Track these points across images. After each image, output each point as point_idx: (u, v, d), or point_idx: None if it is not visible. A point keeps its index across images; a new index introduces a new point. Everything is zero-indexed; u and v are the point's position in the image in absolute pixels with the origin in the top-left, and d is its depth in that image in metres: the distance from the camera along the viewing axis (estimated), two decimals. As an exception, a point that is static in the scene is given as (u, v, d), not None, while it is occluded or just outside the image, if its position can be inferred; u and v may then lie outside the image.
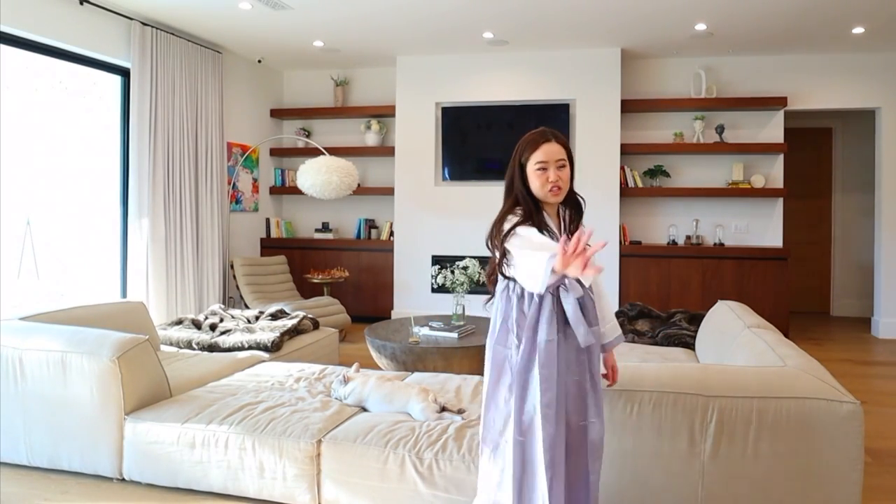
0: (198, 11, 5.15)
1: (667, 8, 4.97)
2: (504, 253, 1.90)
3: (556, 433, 1.83)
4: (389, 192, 6.77)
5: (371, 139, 6.96)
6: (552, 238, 1.91)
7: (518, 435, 1.85)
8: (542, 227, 1.91)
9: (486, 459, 1.97)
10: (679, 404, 2.09)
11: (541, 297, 1.87)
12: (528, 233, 1.88)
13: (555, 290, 1.87)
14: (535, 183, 1.93)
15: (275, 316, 4.51)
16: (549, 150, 1.92)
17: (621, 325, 4.32)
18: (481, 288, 3.78)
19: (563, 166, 1.94)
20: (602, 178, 6.20)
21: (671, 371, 2.25)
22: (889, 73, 6.15)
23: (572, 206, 2.02)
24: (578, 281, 1.84)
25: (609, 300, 2.10)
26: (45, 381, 2.86)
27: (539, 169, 1.92)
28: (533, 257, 1.74)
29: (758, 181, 6.23)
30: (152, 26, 5.22)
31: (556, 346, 1.85)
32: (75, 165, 4.95)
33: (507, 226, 1.91)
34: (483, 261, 3.76)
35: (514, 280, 1.91)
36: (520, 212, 1.93)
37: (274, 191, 7.17)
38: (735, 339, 2.96)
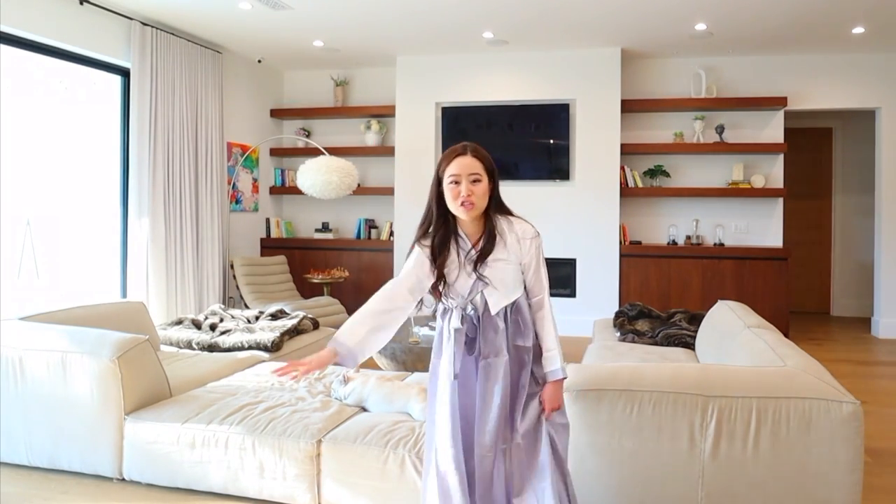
0: (198, 11, 5.15)
1: (667, 8, 4.97)
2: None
3: (454, 459, 1.90)
4: (389, 192, 6.77)
5: (371, 139, 6.96)
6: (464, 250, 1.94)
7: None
8: (447, 241, 1.94)
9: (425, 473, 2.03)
10: (679, 404, 2.09)
11: (445, 319, 1.99)
12: (410, 261, 1.99)
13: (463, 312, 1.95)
14: (448, 196, 1.90)
15: (275, 316, 4.51)
16: (463, 164, 1.87)
17: (621, 325, 4.33)
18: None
19: (478, 181, 1.87)
20: (602, 178, 6.19)
21: (671, 371, 2.24)
22: (889, 73, 6.15)
23: (488, 233, 1.91)
24: (483, 310, 1.94)
25: (554, 328, 1.94)
26: (45, 382, 2.86)
27: (452, 182, 1.88)
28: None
29: (758, 181, 6.23)
30: (152, 26, 5.22)
31: (439, 370, 1.95)
32: (75, 165, 4.95)
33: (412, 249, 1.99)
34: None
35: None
36: (425, 229, 1.97)
37: (274, 191, 7.17)
38: (735, 339, 2.96)
